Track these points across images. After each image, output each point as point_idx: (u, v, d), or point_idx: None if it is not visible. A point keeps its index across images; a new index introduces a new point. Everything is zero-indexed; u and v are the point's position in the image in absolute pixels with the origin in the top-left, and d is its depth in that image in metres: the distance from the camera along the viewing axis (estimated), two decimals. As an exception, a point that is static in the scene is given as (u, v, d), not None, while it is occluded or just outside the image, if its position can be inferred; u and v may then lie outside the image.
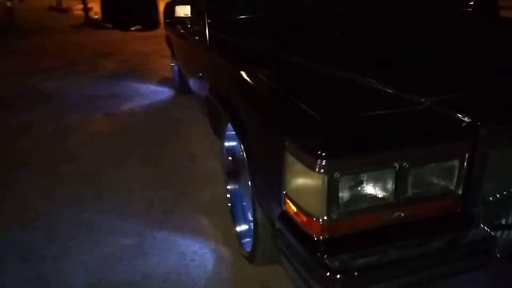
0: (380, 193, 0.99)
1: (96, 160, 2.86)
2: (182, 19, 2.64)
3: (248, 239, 1.73)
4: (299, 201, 1.03)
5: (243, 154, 1.44)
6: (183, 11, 2.48)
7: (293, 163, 1.02)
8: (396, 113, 1.09)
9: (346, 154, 0.96)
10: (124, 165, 2.76)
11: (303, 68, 1.50)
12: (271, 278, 1.66)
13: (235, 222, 1.87)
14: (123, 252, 1.87)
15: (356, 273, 0.97)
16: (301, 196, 1.03)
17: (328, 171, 0.93)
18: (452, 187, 1.04)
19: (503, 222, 1.08)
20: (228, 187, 1.95)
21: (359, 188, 0.98)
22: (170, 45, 4.36)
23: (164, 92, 4.49)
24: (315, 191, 0.97)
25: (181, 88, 4.23)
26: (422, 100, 1.11)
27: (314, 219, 0.98)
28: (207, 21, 2.12)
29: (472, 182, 1.04)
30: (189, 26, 2.59)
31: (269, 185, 1.23)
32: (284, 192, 1.09)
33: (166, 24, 4.44)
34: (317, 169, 0.93)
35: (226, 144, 1.91)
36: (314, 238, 0.99)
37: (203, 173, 2.59)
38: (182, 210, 2.19)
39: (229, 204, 1.95)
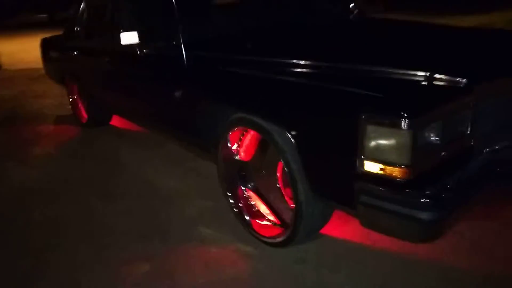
0: (438, 139, 1.37)
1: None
2: (120, 48, 2.67)
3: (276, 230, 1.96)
4: (385, 158, 1.34)
5: (290, 149, 1.68)
6: (129, 38, 2.53)
7: (373, 131, 1.33)
8: (424, 86, 1.50)
9: (419, 113, 1.31)
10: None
11: (308, 66, 1.82)
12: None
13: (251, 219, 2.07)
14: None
15: (443, 195, 1.33)
16: (385, 154, 1.34)
17: (412, 127, 1.27)
18: (466, 130, 1.48)
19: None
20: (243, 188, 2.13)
21: (430, 137, 1.35)
22: (71, 80, 4.15)
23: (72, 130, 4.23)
24: (401, 146, 1.29)
25: (93, 122, 4.07)
26: (429, 74, 1.53)
27: (402, 167, 1.31)
28: (182, 43, 2.25)
29: (474, 123, 1.49)
30: (139, 52, 2.60)
31: (330, 164, 1.52)
32: (363, 157, 1.38)
33: (61, 60, 4.23)
34: (402, 127, 1.27)
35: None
36: (405, 181, 1.31)
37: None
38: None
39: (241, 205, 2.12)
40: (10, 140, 4.12)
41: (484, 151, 1.54)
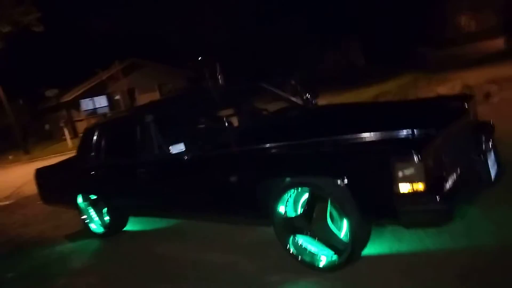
0: (435, 164, 2.38)
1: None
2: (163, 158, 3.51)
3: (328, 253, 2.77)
4: (410, 180, 2.30)
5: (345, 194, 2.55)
6: (178, 148, 3.38)
7: (400, 167, 2.30)
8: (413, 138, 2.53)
9: (422, 151, 2.31)
10: None
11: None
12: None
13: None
14: None
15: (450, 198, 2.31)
16: (410, 177, 2.30)
17: (420, 158, 2.27)
18: (442, 158, 2.53)
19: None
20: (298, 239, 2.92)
21: (430, 163, 2.36)
22: (87, 197, 4.69)
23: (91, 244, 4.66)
24: (418, 169, 2.27)
25: (112, 230, 4.59)
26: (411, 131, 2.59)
27: (423, 183, 2.28)
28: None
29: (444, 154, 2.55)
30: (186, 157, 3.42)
31: (375, 193, 2.45)
32: (397, 182, 2.33)
33: (76, 181, 4.78)
34: (416, 159, 2.26)
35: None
36: (428, 190, 2.27)
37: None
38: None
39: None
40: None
41: (454, 169, 2.60)
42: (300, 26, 25.60)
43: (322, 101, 6.06)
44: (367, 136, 2.63)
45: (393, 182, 2.35)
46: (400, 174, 2.32)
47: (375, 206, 2.51)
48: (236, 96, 4.42)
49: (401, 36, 24.18)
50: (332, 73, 25.86)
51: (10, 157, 18.80)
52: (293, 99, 4.47)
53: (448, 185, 2.41)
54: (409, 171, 2.31)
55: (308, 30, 25.69)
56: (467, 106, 3.11)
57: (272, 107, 4.52)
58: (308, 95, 4.35)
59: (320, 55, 27.85)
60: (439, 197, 2.28)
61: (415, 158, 2.27)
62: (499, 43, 18.67)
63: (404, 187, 2.33)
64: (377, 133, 2.61)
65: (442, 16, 28.17)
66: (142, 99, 21.59)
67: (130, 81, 24.02)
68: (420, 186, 2.29)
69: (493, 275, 2.39)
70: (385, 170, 2.35)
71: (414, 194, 2.31)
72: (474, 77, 10.21)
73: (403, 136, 2.52)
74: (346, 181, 2.53)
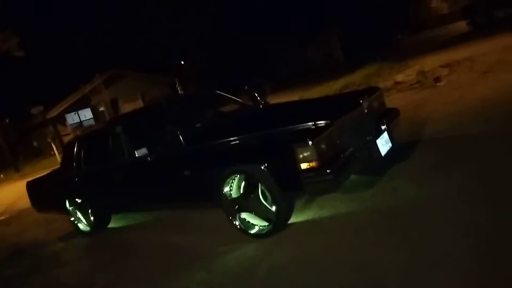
0: (325, 147, 3.14)
1: None
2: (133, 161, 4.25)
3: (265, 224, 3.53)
4: (308, 160, 3.06)
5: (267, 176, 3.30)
6: (142, 152, 4.11)
7: (300, 151, 3.06)
8: (313, 128, 3.29)
9: (315, 139, 3.07)
10: None
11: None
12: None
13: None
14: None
15: (335, 169, 3.08)
16: (308, 158, 3.05)
17: (313, 144, 3.03)
18: (337, 141, 3.30)
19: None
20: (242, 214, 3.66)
21: (323, 146, 3.11)
22: (73, 201, 5.41)
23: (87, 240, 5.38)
24: (312, 152, 3.03)
25: (98, 227, 5.32)
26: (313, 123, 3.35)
27: (316, 162, 3.04)
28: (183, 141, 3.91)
29: (339, 138, 3.32)
30: (149, 159, 4.17)
31: (286, 172, 3.20)
32: (299, 163, 3.08)
33: (64, 188, 5.49)
34: (310, 145, 3.02)
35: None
36: (320, 166, 3.03)
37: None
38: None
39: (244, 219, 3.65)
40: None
41: (347, 148, 3.38)
42: (280, 24, 26.20)
43: (288, 97, 6.78)
44: (280, 130, 3.41)
45: (297, 163, 3.11)
46: (300, 156, 3.09)
47: (287, 182, 3.27)
48: (193, 103, 5.18)
49: (377, 25, 25.03)
50: (311, 67, 26.72)
51: (1, 176, 19.35)
52: (243, 101, 5.24)
53: (338, 161, 3.18)
54: (306, 154, 3.07)
55: (289, 27, 26.34)
56: (369, 98, 3.87)
57: (227, 108, 5.27)
58: (258, 97, 5.11)
59: (301, 51, 28.66)
60: (329, 170, 3.05)
61: (310, 144, 3.03)
62: (462, 25, 19.63)
63: (304, 166, 3.09)
64: (288, 127, 3.39)
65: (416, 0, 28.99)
66: (126, 108, 22.26)
67: (112, 92, 24.65)
68: (315, 164, 3.06)
69: (384, 230, 3.14)
70: (291, 155, 3.12)
71: (311, 169, 3.07)
72: (431, 62, 11.00)
73: (305, 128, 3.30)
74: (266, 165, 3.29)
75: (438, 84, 8.45)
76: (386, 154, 3.64)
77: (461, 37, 16.45)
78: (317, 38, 28.42)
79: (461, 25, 19.91)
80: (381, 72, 12.31)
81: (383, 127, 3.71)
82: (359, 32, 25.51)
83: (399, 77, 10.44)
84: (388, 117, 3.96)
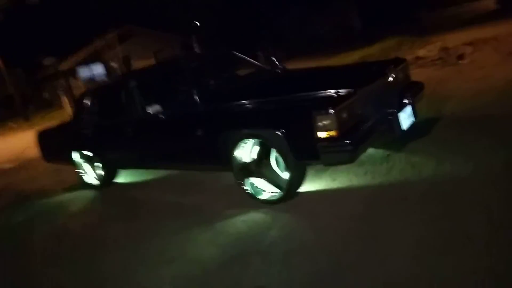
0: (347, 117, 3.00)
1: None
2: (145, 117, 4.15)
3: (275, 190, 3.45)
4: (327, 129, 2.93)
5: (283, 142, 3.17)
6: (155, 109, 4.00)
7: (319, 119, 2.93)
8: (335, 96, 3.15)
9: (336, 107, 2.93)
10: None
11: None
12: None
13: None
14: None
15: (354, 140, 2.95)
16: (327, 127, 2.93)
17: (335, 113, 2.89)
18: (358, 111, 3.16)
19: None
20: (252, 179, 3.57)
21: (343, 116, 2.97)
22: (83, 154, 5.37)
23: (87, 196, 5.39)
24: (333, 121, 2.90)
25: (106, 182, 5.30)
26: (335, 90, 3.20)
27: (335, 131, 2.91)
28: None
29: (360, 108, 3.18)
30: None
31: (302, 140, 3.08)
32: (317, 131, 2.96)
33: (73, 140, 5.43)
34: (331, 113, 2.88)
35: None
36: (340, 136, 2.91)
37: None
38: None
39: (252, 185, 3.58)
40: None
41: (369, 120, 3.24)
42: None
43: (303, 64, 6.56)
44: (300, 95, 3.26)
45: (315, 130, 2.98)
46: (319, 124, 2.96)
47: (303, 150, 3.15)
48: (209, 62, 5.01)
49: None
50: (329, 36, 26.03)
51: (12, 124, 19.51)
52: (261, 65, 5.06)
53: (358, 132, 3.05)
54: (326, 122, 2.94)
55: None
56: (395, 69, 3.69)
57: (243, 72, 5.11)
58: (274, 61, 4.93)
59: (319, 18, 27.86)
60: (348, 141, 2.93)
61: (331, 112, 2.90)
62: (490, 3, 18.84)
63: (322, 134, 2.97)
64: (308, 93, 3.24)
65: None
66: (138, 65, 22.01)
67: (125, 48, 24.34)
68: (334, 133, 2.93)
69: (397, 205, 3.05)
70: (309, 122, 2.99)
71: (329, 139, 2.95)
72: (455, 39, 10.60)
73: (326, 95, 3.15)
74: (283, 131, 3.17)
75: (460, 62, 8.17)
76: (407, 129, 3.49)
77: (488, 15, 15.79)
78: (336, 6, 27.57)
79: (489, 3, 19.10)
80: (402, 46, 11.94)
81: (406, 101, 3.54)
82: (377, 3, 24.69)
83: (421, 52, 10.11)
84: (413, 90, 3.78)
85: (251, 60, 5.09)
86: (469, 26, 13.52)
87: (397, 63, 3.87)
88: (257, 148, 3.52)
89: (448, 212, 2.72)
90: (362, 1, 26.46)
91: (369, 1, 25.45)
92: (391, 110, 3.41)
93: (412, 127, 3.58)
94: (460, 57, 8.41)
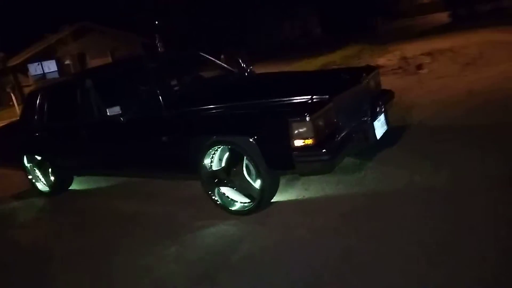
0: (323, 124, 2.88)
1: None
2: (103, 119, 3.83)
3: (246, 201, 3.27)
4: (303, 137, 2.79)
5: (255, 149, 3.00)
6: (114, 111, 3.70)
7: (295, 126, 2.78)
8: (310, 103, 3.01)
9: (313, 114, 2.80)
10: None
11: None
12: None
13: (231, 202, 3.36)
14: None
15: (331, 149, 2.83)
16: (303, 134, 2.79)
17: (311, 120, 2.76)
18: (334, 119, 3.05)
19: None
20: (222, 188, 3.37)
21: (319, 124, 2.85)
22: (32, 158, 4.94)
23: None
24: (309, 128, 2.77)
25: (59, 189, 4.90)
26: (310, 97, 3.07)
27: (312, 139, 2.78)
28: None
29: (336, 115, 3.07)
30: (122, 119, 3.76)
31: (277, 148, 2.92)
32: (293, 139, 2.82)
33: (21, 144, 4.98)
34: (307, 121, 2.75)
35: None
36: (316, 144, 2.78)
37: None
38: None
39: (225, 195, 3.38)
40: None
41: (344, 128, 3.14)
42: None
43: (264, 69, 6.44)
44: (274, 101, 3.11)
45: (290, 139, 2.84)
46: (295, 132, 2.82)
47: (277, 159, 3.00)
48: (175, 63, 4.76)
49: (357, 8, 24.81)
50: (289, 42, 26.29)
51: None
52: (229, 67, 4.87)
53: (335, 141, 2.94)
54: (302, 130, 2.80)
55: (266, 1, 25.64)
56: (367, 77, 3.63)
57: (210, 74, 4.90)
58: (241, 64, 4.76)
59: (278, 25, 28.10)
60: (325, 150, 2.81)
61: (307, 119, 2.76)
62: (444, 16, 19.73)
63: (298, 143, 2.83)
64: (282, 98, 3.09)
65: (398, -12, 28.95)
66: (94, 64, 21.11)
67: (80, 45, 23.30)
68: (310, 142, 2.80)
69: (370, 216, 2.97)
70: (284, 129, 2.84)
71: (306, 147, 2.82)
72: (413, 49, 10.91)
73: (301, 101, 3.01)
74: (255, 139, 3.00)
75: (420, 71, 8.38)
76: (381, 137, 3.44)
77: (442, 28, 16.48)
78: (296, 14, 28.07)
79: (442, 16, 19.99)
80: (361, 54, 12.14)
81: (380, 109, 3.49)
82: (337, 12, 25.38)
83: (381, 61, 10.29)
84: (385, 98, 3.74)
85: (219, 62, 4.89)
86: (425, 37, 14.02)
87: (369, 71, 3.82)
88: (227, 156, 3.33)
89: (424, 222, 2.66)
90: (322, 9, 27.03)
91: (328, 9, 26.04)
92: (365, 118, 3.33)
93: (385, 135, 3.53)
94: (419, 67, 8.63)
